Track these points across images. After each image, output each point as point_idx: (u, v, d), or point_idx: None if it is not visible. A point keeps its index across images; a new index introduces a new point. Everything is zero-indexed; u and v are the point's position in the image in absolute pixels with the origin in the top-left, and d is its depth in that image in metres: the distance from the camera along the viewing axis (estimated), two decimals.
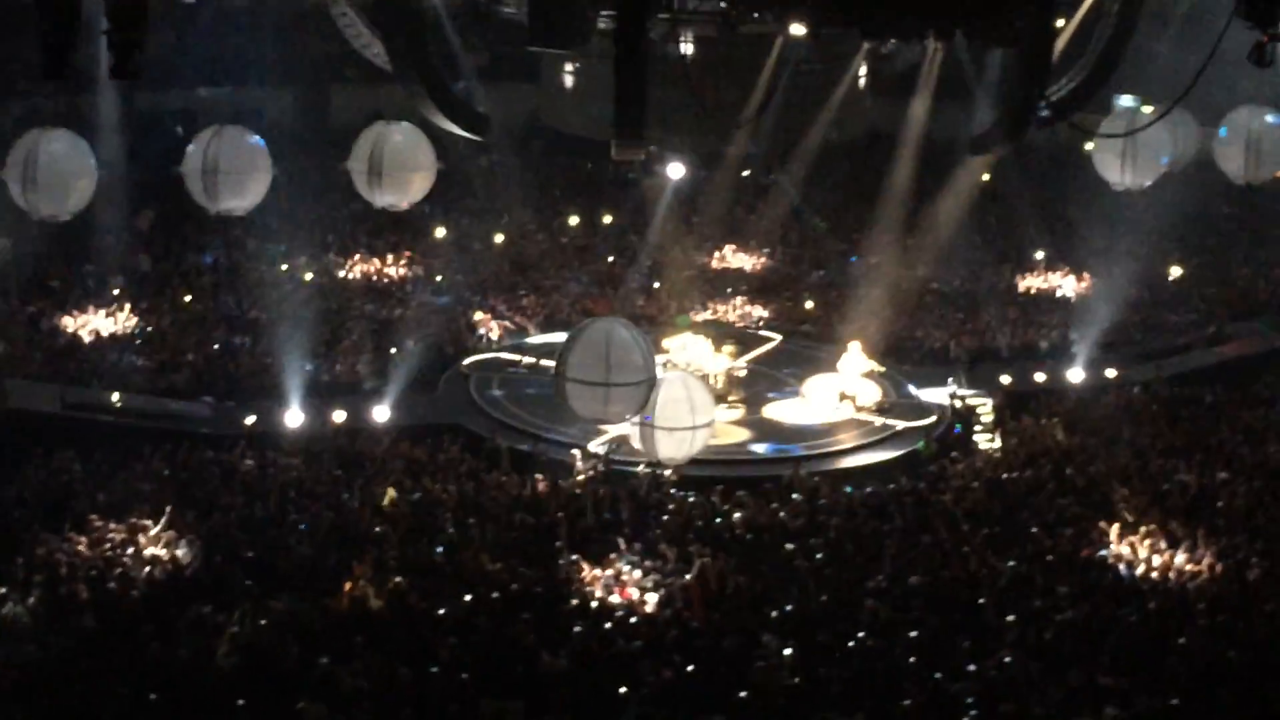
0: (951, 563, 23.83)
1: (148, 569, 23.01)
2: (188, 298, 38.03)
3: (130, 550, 23.58)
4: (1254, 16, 21.39)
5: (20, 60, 39.35)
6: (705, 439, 28.08)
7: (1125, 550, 24.42)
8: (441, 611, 21.52)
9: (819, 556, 24.12)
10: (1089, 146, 34.96)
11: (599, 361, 27.19)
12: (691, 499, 26.97)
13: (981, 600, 22.51)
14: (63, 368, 33.04)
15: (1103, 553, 24.39)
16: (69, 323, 35.89)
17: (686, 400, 27.77)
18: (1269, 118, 33.00)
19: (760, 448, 31.27)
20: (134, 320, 36.24)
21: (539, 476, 27.97)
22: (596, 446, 29.37)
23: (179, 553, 23.62)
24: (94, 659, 19.79)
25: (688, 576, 23.05)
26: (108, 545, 23.64)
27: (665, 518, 25.89)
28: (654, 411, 27.42)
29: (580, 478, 28.01)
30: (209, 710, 18.76)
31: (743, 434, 31.82)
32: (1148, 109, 33.03)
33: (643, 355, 27.43)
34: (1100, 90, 33.86)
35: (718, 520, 25.89)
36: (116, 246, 39.37)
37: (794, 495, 27.23)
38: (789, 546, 24.46)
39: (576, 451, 29.08)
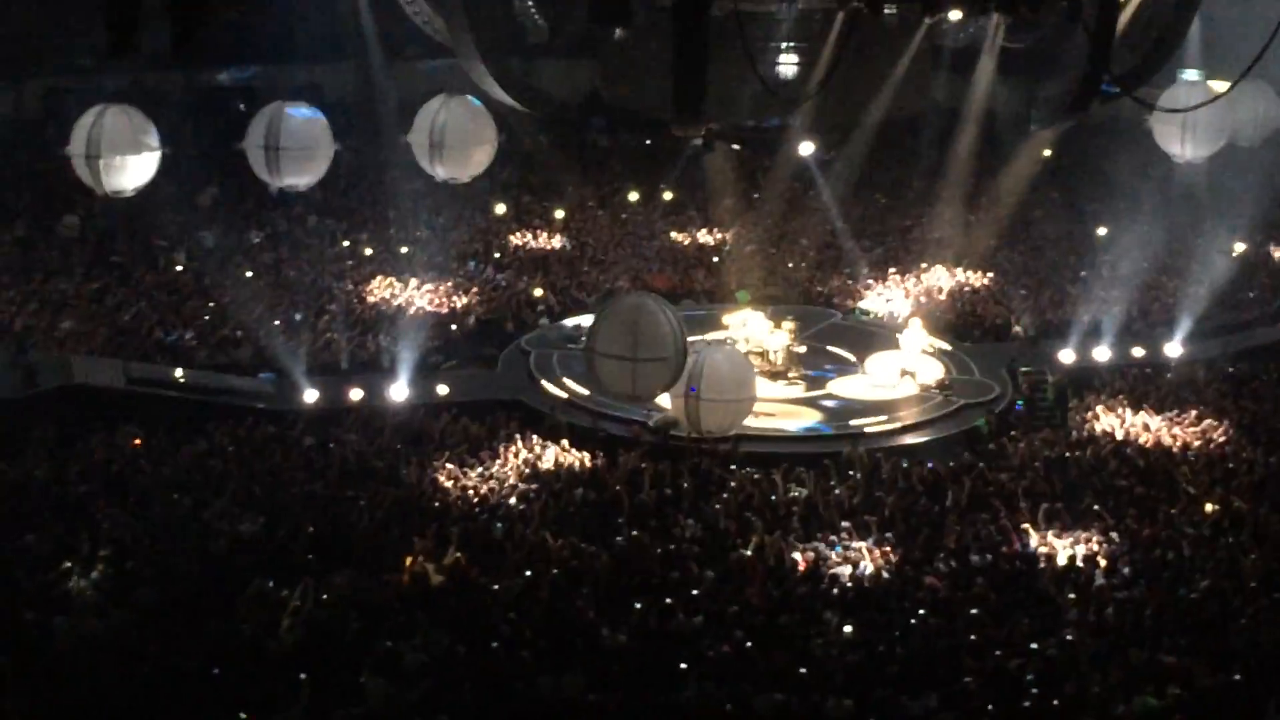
0: (1009, 541, 23.70)
1: (211, 543, 23.16)
2: (249, 274, 38.21)
3: (193, 524, 23.75)
4: None
5: (85, 38, 39.67)
6: (748, 412, 28.02)
7: (1188, 529, 24.24)
8: (500, 587, 21.56)
9: (879, 534, 24.07)
10: (1150, 120, 34.55)
11: (627, 336, 27.10)
12: (755, 476, 26.91)
13: (1040, 579, 22.43)
14: (126, 343, 33.26)
15: (1161, 529, 24.24)
16: (134, 298, 36.08)
17: (732, 373, 27.76)
18: None
19: (795, 425, 31.11)
20: (197, 297, 36.42)
21: (599, 452, 27.98)
22: (657, 422, 29.34)
23: (242, 528, 23.76)
24: (157, 633, 19.92)
25: (746, 553, 23.05)
26: (172, 519, 23.80)
27: (725, 494, 25.82)
28: (699, 383, 27.38)
29: (640, 453, 27.97)
30: (271, 684, 18.86)
31: (803, 411, 31.71)
32: (1215, 84, 32.60)
33: (672, 331, 27.29)
34: (1165, 63, 33.60)
35: (773, 498, 25.82)
36: (179, 223, 39.59)
37: (851, 472, 27.13)
38: (844, 524, 24.41)
39: (638, 427, 29.07)
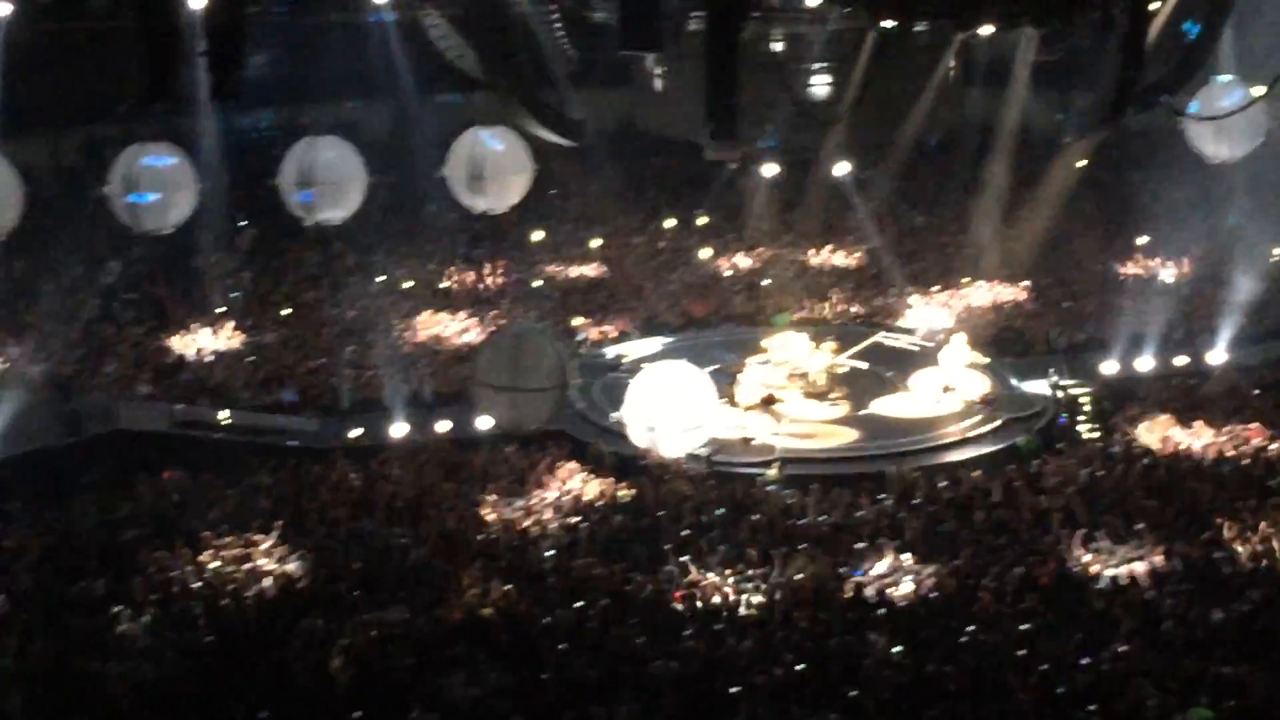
0: (1047, 561, 23.59)
1: (260, 584, 23.26)
2: (287, 311, 38.38)
3: (242, 566, 23.86)
4: None
5: (122, 83, 39.93)
6: (705, 436, 28.22)
7: (1237, 540, 24.09)
8: (550, 619, 21.58)
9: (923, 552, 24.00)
10: (1182, 121, 34.42)
11: (509, 366, 26.99)
12: (790, 498, 26.89)
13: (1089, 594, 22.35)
14: (171, 386, 33.45)
15: (1213, 543, 24.08)
16: (176, 341, 36.31)
17: (686, 395, 27.80)
18: None
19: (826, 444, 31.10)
20: (239, 337, 36.62)
21: (644, 481, 27.99)
22: (699, 449, 29.37)
23: (290, 567, 23.86)
24: (209, 675, 20.02)
25: (796, 576, 23.01)
26: (220, 561, 23.93)
27: (754, 518, 25.80)
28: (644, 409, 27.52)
29: (687, 481, 27.98)
30: None
31: (846, 431, 31.66)
32: (1254, 88, 32.42)
33: (553, 362, 27.16)
34: (1199, 72, 33.46)
35: (803, 520, 25.79)
36: (219, 264, 39.79)
37: (880, 496, 27.04)
38: (858, 546, 24.35)
39: (681, 455, 29.11)
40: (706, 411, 29.02)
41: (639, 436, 28.91)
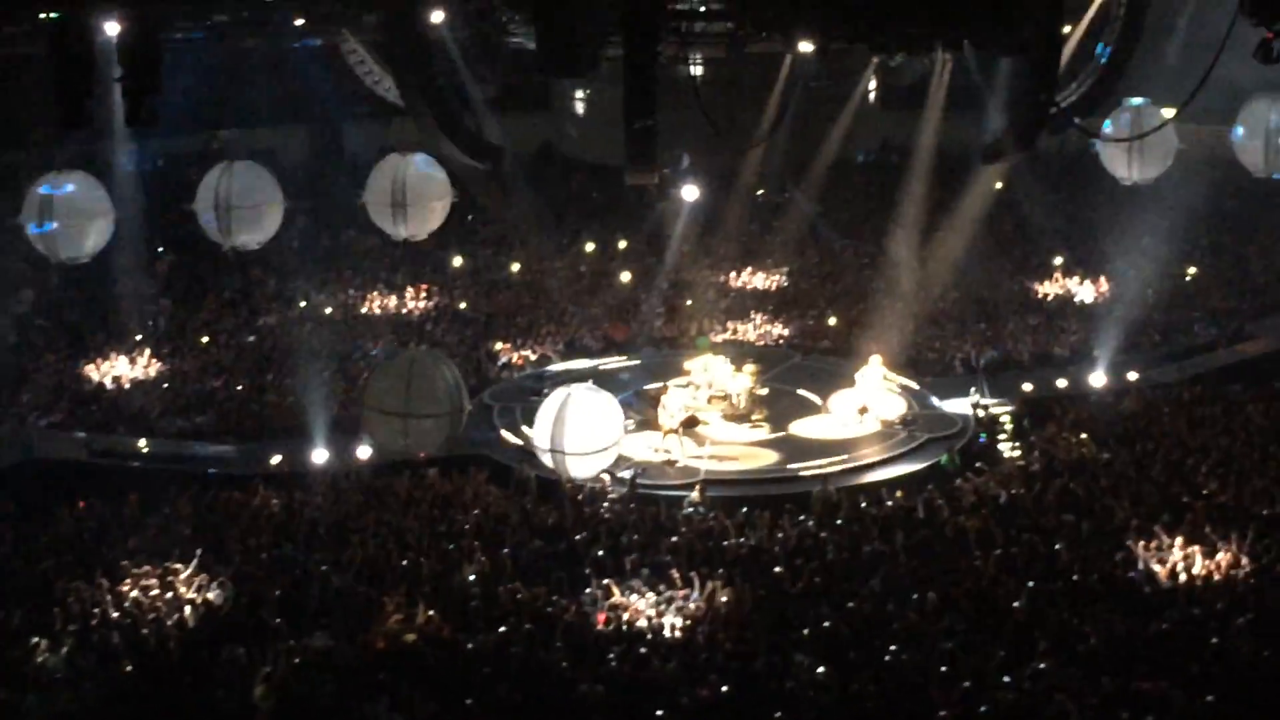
0: (964, 582, 23.74)
1: (180, 613, 23.07)
2: (205, 339, 38.16)
3: (163, 595, 23.65)
4: (1258, 14, 21.39)
5: (36, 110, 39.63)
6: (612, 458, 28.26)
7: (1154, 558, 24.34)
8: (473, 645, 21.52)
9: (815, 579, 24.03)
10: (1096, 144, 34.84)
11: (399, 391, 26.84)
12: (713, 520, 26.96)
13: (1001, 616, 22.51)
14: (88, 415, 33.15)
15: (1130, 561, 24.30)
16: (93, 370, 36.00)
17: (595, 418, 27.84)
18: None
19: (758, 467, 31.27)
20: (157, 365, 36.34)
21: (566, 504, 28.00)
22: (622, 472, 29.43)
23: (211, 595, 23.66)
24: (130, 706, 19.83)
25: (722, 599, 23.06)
26: (140, 591, 23.71)
27: (675, 539, 25.82)
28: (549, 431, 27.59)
29: (606, 503, 28.02)
30: None
31: (768, 453, 31.81)
32: (1164, 110, 32.83)
33: (447, 386, 27.05)
34: (1111, 94, 33.87)
35: (725, 543, 25.81)
36: (137, 291, 39.51)
37: (801, 517, 27.13)
38: (778, 568, 24.37)
39: (605, 477, 29.14)
40: (613, 435, 28.99)
41: (546, 458, 28.90)
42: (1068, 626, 21.78)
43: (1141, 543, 24.67)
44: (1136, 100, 34.19)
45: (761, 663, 20.81)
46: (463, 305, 41.53)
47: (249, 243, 31.87)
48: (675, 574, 23.89)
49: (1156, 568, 23.98)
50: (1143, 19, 32.63)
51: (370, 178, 32.99)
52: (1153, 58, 38.24)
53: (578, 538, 25.94)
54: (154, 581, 23.97)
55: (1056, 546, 24.79)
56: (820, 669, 20.37)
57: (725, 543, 25.72)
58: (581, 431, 28.44)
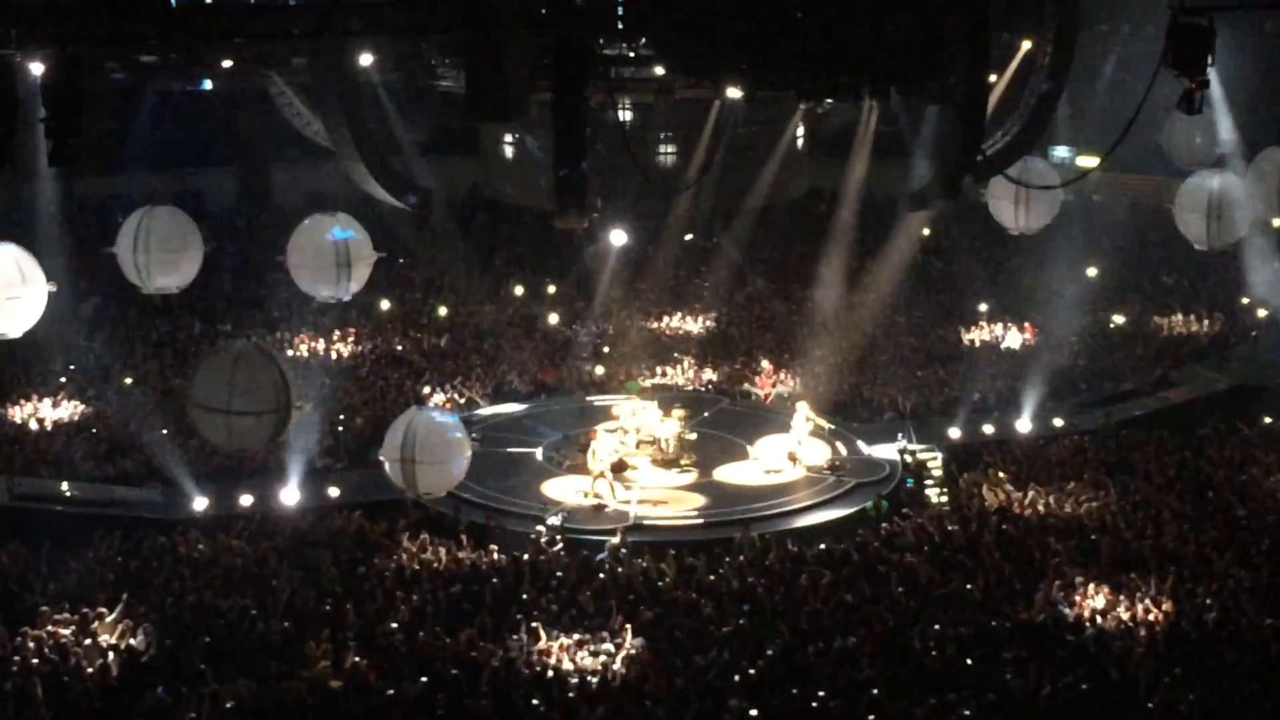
0: (882, 625, 23.82)
1: (103, 659, 22.80)
2: (129, 380, 37.82)
3: (84, 640, 23.37)
4: (1181, 65, 21.67)
5: None
6: (463, 472, 27.78)
7: (1074, 605, 24.57)
8: (394, 691, 21.39)
9: (741, 622, 24.10)
10: (985, 194, 34.93)
11: (223, 387, 25.96)
12: (643, 565, 26.96)
13: (921, 661, 22.61)
14: (10, 457, 32.78)
15: (1054, 608, 24.51)
16: (15, 412, 35.61)
17: (442, 433, 27.54)
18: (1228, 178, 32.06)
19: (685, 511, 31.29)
20: (80, 407, 35.98)
21: (495, 549, 27.90)
22: (551, 517, 29.38)
23: (134, 641, 23.42)
24: None
25: (648, 643, 23.04)
26: (61, 636, 23.42)
27: (601, 583, 25.87)
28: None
29: (537, 549, 27.93)
30: None
31: (696, 497, 31.84)
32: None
33: (274, 384, 26.07)
34: (1035, 143, 34.24)
35: (655, 585, 25.86)
36: (60, 333, 39.08)
37: (727, 559, 27.26)
38: (706, 612, 24.46)
39: (541, 528, 29.02)
40: (459, 457, 28.37)
41: (394, 476, 28.19)
42: (984, 675, 21.93)
43: (1060, 586, 24.90)
44: (1063, 151, 34.57)
45: (693, 709, 20.83)
46: (400, 347, 41.30)
47: (168, 286, 31.30)
48: (602, 617, 23.91)
49: (1075, 611, 24.19)
50: (1068, 69, 33.04)
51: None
52: (1078, 108, 38.66)
53: (503, 582, 25.88)
54: (74, 628, 23.70)
55: (971, 588, 25.05)
56: (752, 712, 20.43)
57: (655, 585, 25.73)
58: (429, 451, 27.68)
